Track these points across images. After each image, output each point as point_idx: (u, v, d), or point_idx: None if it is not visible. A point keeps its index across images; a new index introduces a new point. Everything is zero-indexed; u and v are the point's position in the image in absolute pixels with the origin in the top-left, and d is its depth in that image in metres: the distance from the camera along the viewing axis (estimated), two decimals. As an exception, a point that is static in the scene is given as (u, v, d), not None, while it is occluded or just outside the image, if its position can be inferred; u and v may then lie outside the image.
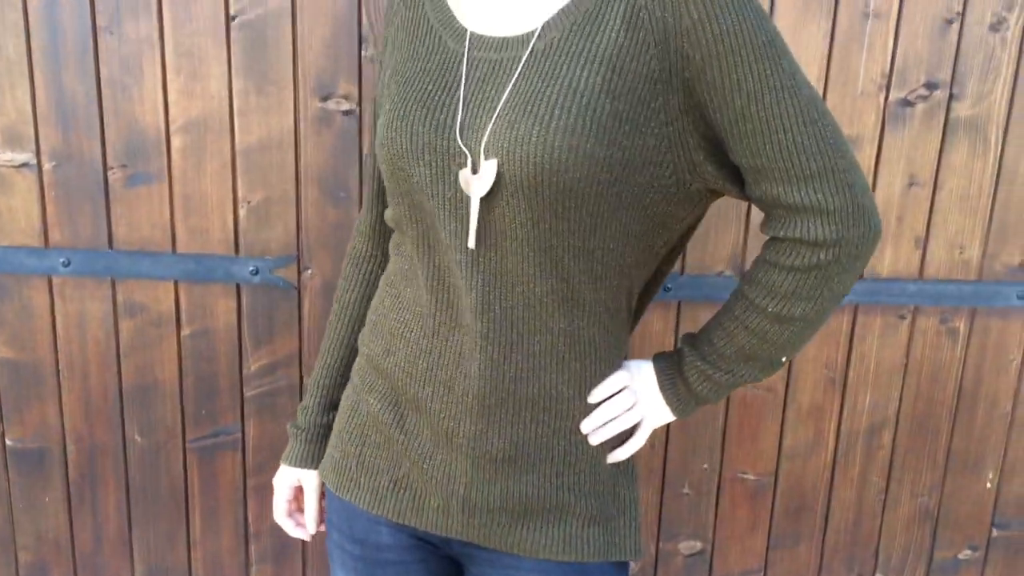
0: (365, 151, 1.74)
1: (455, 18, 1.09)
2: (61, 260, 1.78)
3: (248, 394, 1.87)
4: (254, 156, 1.75)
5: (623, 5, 0.96)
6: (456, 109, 1.02)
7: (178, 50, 1.69)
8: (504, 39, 1.03)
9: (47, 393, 1.88)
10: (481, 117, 1.00)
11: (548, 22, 1.00)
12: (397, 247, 1.17)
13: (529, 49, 1.00)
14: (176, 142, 1.74)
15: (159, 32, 1.68)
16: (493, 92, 1.01)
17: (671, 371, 1.15)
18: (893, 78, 1.72)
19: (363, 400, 1.20)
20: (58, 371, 1.86)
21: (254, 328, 1.83)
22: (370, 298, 1.31)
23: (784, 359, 1.11)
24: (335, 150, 1.75)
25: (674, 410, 1.15)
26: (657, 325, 1.84)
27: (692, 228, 1.16)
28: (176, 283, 1.81)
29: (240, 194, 1.77)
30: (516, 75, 1.00)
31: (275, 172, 1.76)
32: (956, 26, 1.69)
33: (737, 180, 1.04)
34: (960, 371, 1.89)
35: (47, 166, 1.74)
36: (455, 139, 1.01)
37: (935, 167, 1.77)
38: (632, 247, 1.05)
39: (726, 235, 1.79)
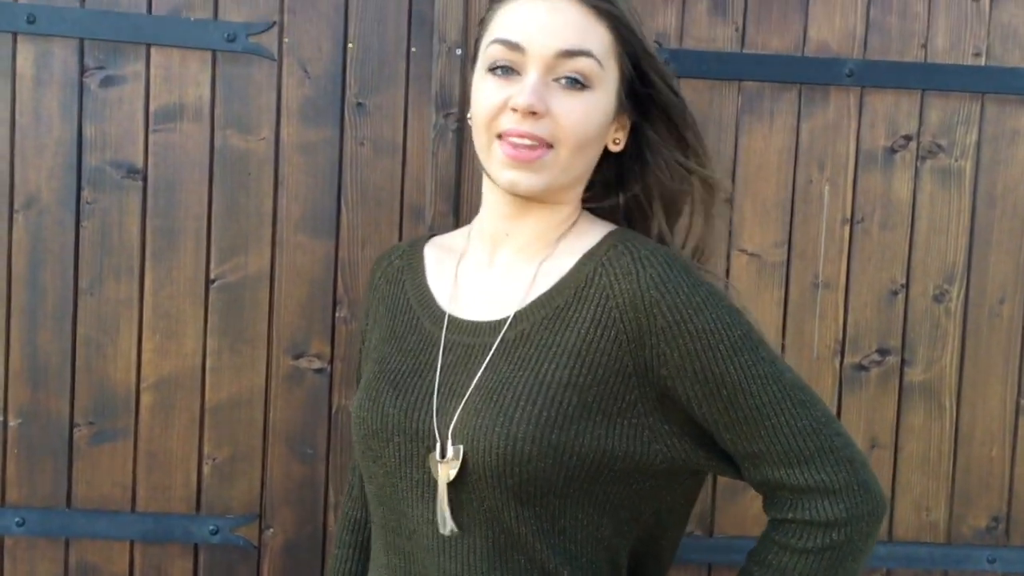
0: (335, 408, 1.76)
1: (435, 300, 1.12)
2: (16, 519, 1.73)
3: (198, 664, 1.77)
4: (223, 413, 1.75)
5: (594, 304, 1.00)
6: (429, 391, 1.03)
7: (156, 311, 1.73)
8: (478, 324, 1.06)
9: (-18, 663, 1.76)
10: (452, 401, 1.01)
11: (520, 312, 1.04)
12: (372, 531, 1.14)
13: (500, 337, 1.03)
14: (145, 399, 1.74)
15: (139, 294, 1.73)
16: (465, 377, 1.02)
17: None
18: (846, 344, 1.79)
19: None
20: (-3, 638, 1.76)
21: (209, 591, 1.76)
22: (366, 563, 1.24)
23: None
24: (304, 407, 1.76)
25: None
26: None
27: (693, 498, 1.13)
28: (132, 544, 1.75)
29: (206, 451, 1.75)
30: (486, 362, 1.02)
31: (243, 429, 1.75)
32: (902, 297, 1.79)
33: (731, 463, 1.04)
34: (939, 637, 1.84)
35: (12, 423, 1.73)
36: (424, 422, 1.01)
37: (894, 430, 1.81)
38: (610, 520, 1.03)
39: (694, 494, 1.78)
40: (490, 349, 1.03)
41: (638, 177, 1.12)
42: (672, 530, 1.13)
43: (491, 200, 1.10)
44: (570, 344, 0.99)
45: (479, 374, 1.01)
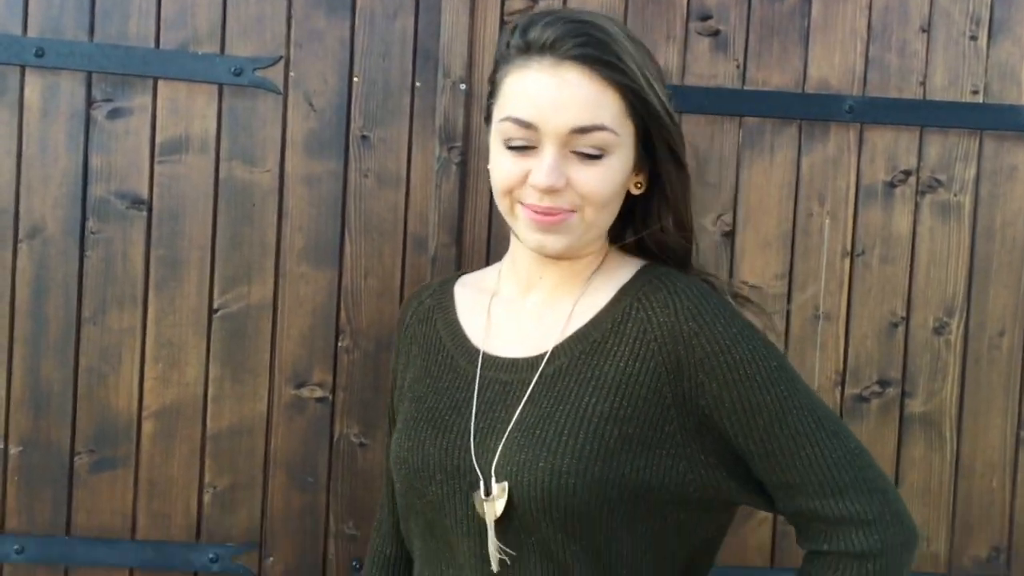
0: (336, 437, 1.76)
1: (467, 338, 1.13)
2: (15, 547, 1.73)
3: None
4: (224, 441, 1.75)
5: (632, 337, 1.01)
6: (467, 429, 1.04)
7: (159, 340, 1.74)
8: (515, 360, 1.07)
9: None
10: (492, 438, 1.02)
11: (557, 347, 1.05)
12: (416, 567, 1.14)
13: (538, 373, 1.04)
14: (147, 428, 1.75)
15: (142, 323, 1.74)
16: (504, 413, 1.03)
17: None
18: (847, 375, 1.80)
19: None
20: (-5, 667, 1.75)
21: (209, 621, 1.76)
22: None
23: None
24: (306, 436, 1.76)
25: None
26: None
27: (724, 529, 1.14)
28: (131, 572, 1.75)
29: (206, 479, 1.76)
30: (525, 398, 1.03)
31: (244, 457, 1.76)
32: (902, 329, 1.80)
33: (761, 494, 1.05)
34: (940, 669, 1.84)
35: (13, 451, 1.73)
36: (466, 459, 1.02)
37: (895, 460, 1.81)
38: (652, 556, 1.04)
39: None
40: (529, 384, 1.04)
41: (666, 212, 1.10)
42: (706, 563, 1.14)
43: (520, 249, 1.10)
44: (609, 377, 1.01)
45: (519, 410, 1.02)
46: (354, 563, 1.76)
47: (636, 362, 1.01)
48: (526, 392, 1.03)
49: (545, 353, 1.05)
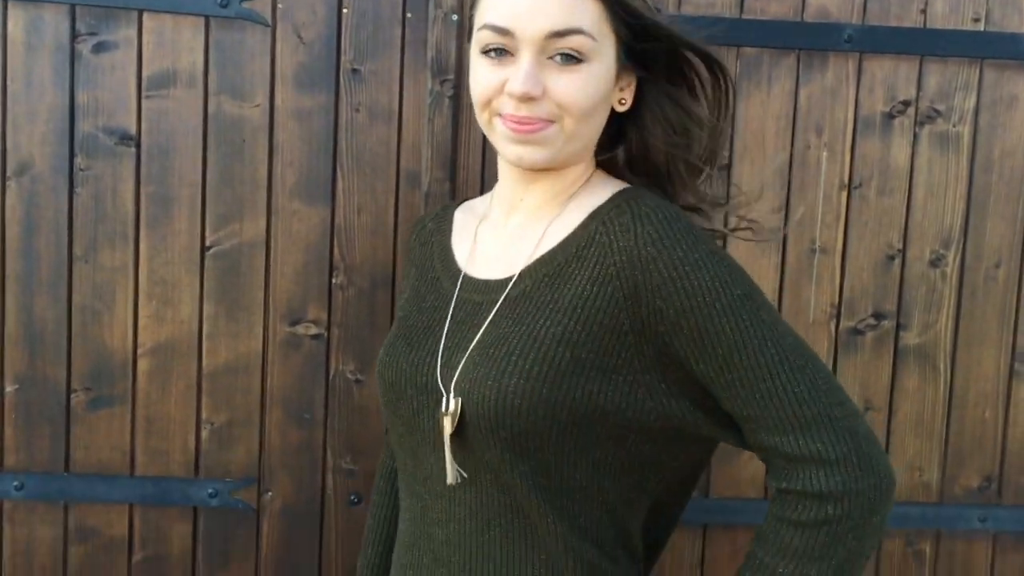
0: (332, 373, 1.76)
1: (454, 260, 1.15)
2: (14, 484, 1.74)
3: (199, 625, 1.79)
4: (220, 379, 1.76)
5: (593, 261, 1.01)
6: (437, 347, 1.06)
7: (152, 278, 1.73)
8: (487, 282, 1.08)
9: (-15, 625, 1.79)
10: (456, 356, 1.03)
11: (524, 270, 1.05)
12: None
13: (504, 294, 1.05)
14: (143, 365, 1.75)
15: (134, 261, 1.73)
16: (469, 332, 1.05)
17: None
18: (842, 308, 1.79)
19: None
20: (0, 601, 1.78)
21: (209, 553, 1.78)
22: None
23: None
24: (302, 373, 1.76)
25: None
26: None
27: (701, 464, 1.14)
28: (131, 506, 1.77)
29: (204, 416, 1.76)
30: (489, 319, 1.04)
31: (240, 394, 1.76)
32: (898, 261, 1.79)
33: (732, 428, 1.03)
34: (929, 595, 1.87)
35: (10, 389, 1.74)
36: (432, 375, 1.04)
37: (889, 392, 1.82)
38: (612, 483, 1.04)
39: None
40: (494, 306, 1.05)
41: (639, 133, 1.10)
42: (679, 502, 1.16)
43: (504, 167, 1.12)
44: (566, 301, 1.00)
45: (482, 330, 1.03)
46: (352, 497, 1.78)
47: (594, 286, 1.00)
48: (491, 313, 1.04)
49: (513, 276, 1.06)
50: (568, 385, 0.98)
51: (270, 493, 1.78)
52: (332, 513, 1.79)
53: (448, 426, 1.00)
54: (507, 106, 1.00)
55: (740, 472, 1.82)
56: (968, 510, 1.85)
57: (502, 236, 1.12)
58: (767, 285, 1.77)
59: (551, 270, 1.03)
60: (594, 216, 1.04)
